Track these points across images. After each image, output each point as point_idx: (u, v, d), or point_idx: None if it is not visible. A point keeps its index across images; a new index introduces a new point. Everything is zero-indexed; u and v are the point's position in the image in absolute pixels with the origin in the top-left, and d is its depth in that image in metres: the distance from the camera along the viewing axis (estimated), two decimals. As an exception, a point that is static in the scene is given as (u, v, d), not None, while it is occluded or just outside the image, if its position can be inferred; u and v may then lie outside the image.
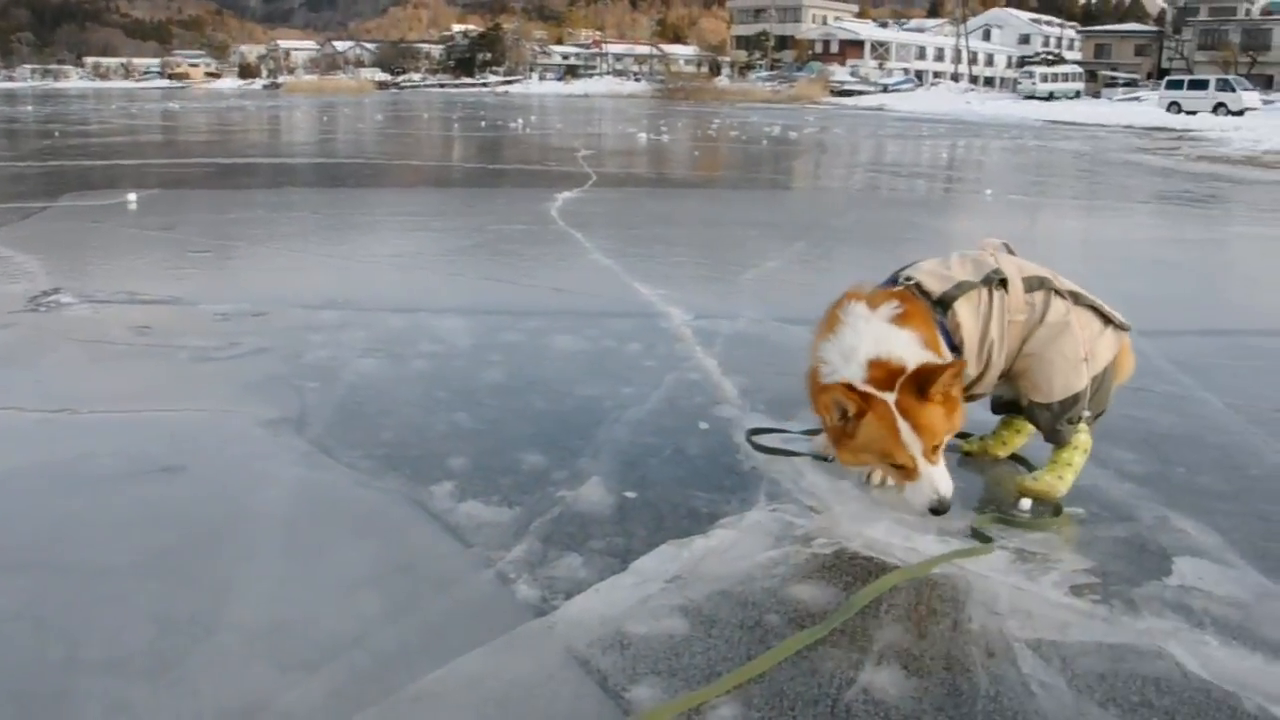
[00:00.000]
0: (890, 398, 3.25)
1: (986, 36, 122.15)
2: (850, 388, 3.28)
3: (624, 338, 5.91)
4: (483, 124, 33.73)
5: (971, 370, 3.62)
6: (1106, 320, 3.74)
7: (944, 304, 3.56)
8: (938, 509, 3.26)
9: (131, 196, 11.79)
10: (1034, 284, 3.66)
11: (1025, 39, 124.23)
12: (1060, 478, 3.77)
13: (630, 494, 3.76)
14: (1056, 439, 3.77)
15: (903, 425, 3.22)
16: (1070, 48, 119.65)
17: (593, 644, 2.77)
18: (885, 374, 3.30)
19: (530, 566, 3.20)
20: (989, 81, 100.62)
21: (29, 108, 40.33)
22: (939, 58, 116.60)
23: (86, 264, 8.05)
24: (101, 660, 2.69)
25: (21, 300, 6.64)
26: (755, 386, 5.00)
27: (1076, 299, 3.70)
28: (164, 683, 2.59)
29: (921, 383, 3.25)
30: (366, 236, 9.99)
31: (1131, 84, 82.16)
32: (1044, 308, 3.64)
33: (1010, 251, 3.82)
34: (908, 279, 3.61)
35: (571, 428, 4.45)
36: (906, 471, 3.28)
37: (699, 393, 4.95)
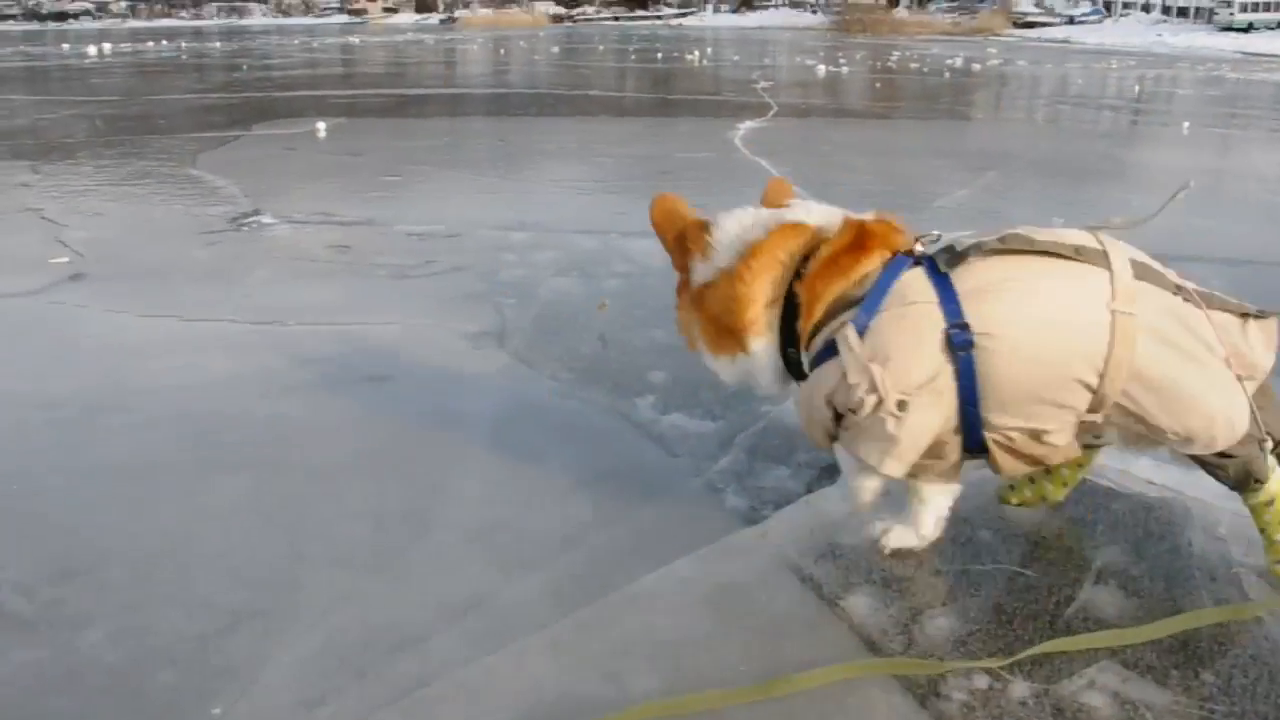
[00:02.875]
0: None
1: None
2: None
3: (816, 261, 5.83)
4: (659, 56, 33.55)
5: None
6: None
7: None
8: None
9: (320, 125, 12.09)
10: None
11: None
12: None
13: (833, 411, 3.72)
14: None
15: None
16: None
17: (805, 553, 2.76)
18: None
19: (738, 477, 3.21)
20: (1182, 12, 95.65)
21: (217, 44, 41.49)
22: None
23: (283, 187, 8.28)
24: (324, 554, 2.78)
25: (224, 221, 6.88)
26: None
27: None
28: (387, 576, 2.67)
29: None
30: (551, 162, 10.06)
31: (1342, 14, 77.53)
32: None
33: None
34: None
35: (769, 346, 4.41)
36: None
37: (896, 315, 4.86)
